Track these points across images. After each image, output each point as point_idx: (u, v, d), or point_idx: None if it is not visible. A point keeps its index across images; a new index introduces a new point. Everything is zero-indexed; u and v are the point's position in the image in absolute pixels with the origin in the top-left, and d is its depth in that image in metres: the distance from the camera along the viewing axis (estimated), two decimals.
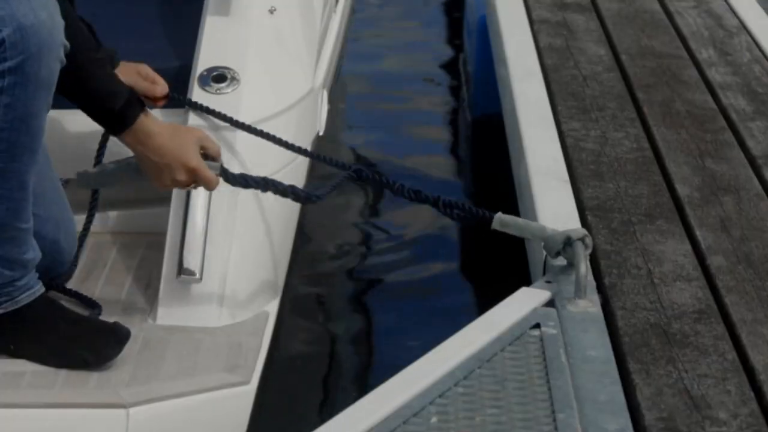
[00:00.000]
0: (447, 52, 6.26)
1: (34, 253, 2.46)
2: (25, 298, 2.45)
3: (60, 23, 2.32)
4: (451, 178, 4.82)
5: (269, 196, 2.74)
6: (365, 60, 5.78)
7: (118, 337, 2.47)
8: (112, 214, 2.99)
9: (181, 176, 2.51)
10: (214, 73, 2.86)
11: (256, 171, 2.78)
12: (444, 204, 2.63)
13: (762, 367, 2.29)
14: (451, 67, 6.06)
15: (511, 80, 3.63)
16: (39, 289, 2.48)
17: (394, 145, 5.04)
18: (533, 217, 2.81)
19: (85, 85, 2.46)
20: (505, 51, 3.87)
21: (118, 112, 2.48)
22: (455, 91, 5.76)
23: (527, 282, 2.59)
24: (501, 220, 2.59)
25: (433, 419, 2.09)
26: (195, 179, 2.54)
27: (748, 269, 2.63)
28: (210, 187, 2.57)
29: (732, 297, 2.53)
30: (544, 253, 2.58)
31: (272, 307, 2.72)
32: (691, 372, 2.26)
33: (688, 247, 2.73)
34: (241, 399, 2.43)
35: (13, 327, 2.45)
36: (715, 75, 3.74)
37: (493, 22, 4.32)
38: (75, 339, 2.46)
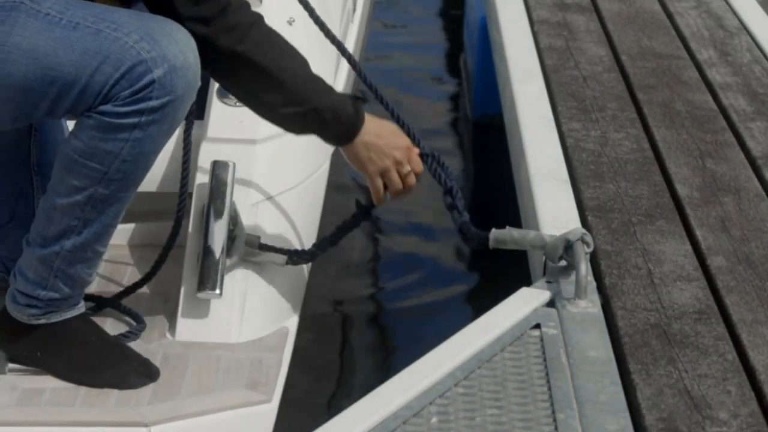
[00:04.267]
0: (447, 52, 6.26)
1: (95, 275, 2.47)
2: (69, 313, 2.45)
3: (200, 63, 2.33)
4: None
5: (288, 209, 2.72)
6: (365, 60, 5.78)
7: (147, 371, 2.46)
8: (130, 227, 2.97)
9: (399, 155, 2.53)
10: None
11: (277, 184, 2.77)
12: (451, 201, 2.61)
13: (762, 367, 2.28)
14: (451, 67, 6.06)
15: (512, 80, 3.63)
16: (81, 306, 2.48)
17: None
18: (533, 217, 2.81)
19: (313, 107, 2.44)
20: (505, 51, 3.87)
21: (349, 121, 2.49)
22: (455, 91, 5.76)
23: (527, 282, 2.59)
24: (496, 237, 2.56)
25: (433, 419, 2.09)
26: (408, 159, 2.56)
27: (748, 269, 2.63)
28: (417, 170, 2.59)
29: (732, 297, 2.52)
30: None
31: (292, 323, 2.71)
32: (692, 372, 2.26)
33: (688, 247, 2.73)
34: (262, 417, 2.41)
35: (47, 336, 2.45)
36: (716, 75, 3.74)
37: (494, 23, 4.32)
38: (103, 360, 2.45)
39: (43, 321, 2.43)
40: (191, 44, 2.31)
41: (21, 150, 2.66)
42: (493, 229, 2.56)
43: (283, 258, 2.68)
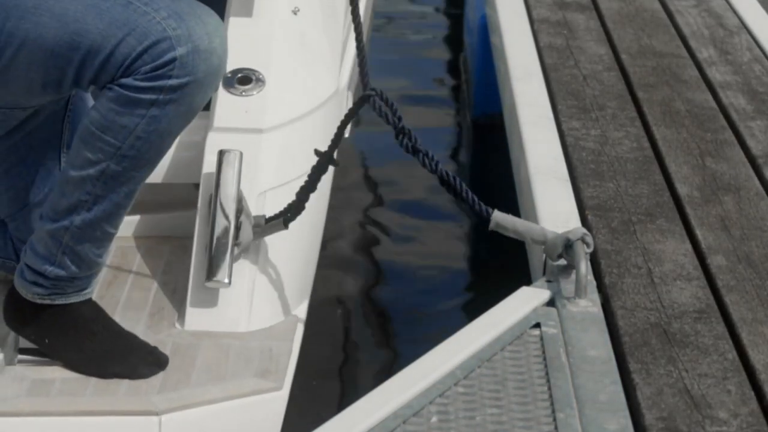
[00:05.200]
0: (447, 52, 6.26)
1: (104, 259, 2.46)
2: (75, 296, 2.44)
3: (227, 52, 2.33)
4: None
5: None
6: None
7: (156, 360, 2.45)
8: (137, 217, 2.96)
9: None
10: (239, 75, 2.83)
11: (283, 173, 2.76)
12: (447, 180, 2.50)
13: (762, 366, 2.28)
14: (451, 66, 6.06)
15: (511, 79, 3.63)
16: (91, 291, 2.47)
17: (394, 144, 5.03)
18: (533, 216, 2.81)
19: None
20: (505, 50, 3.87)
21: None
22: (455, 90, 5.76)
23: (527, 281, 2.59)
24: (498, 221, 2.51)
25: (433, 419, 2.09)
26: None
27: (749, 269, 2.63)
28: None
29: (732, 296, 2.52)
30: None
31: (301, 311, 2.70)
32: (692, 372, 2.26)
33: (688, 246, 2.73)
34: (273, 405, 2.41)
35: (54, 321, 2.44)
36: (716, 74, 3.74)
37: (494, 21, 4.32)
38: (111, 352, 2.44)
39: (47, 301, 2.42)
40: (220, 30, 2.32)
41: (55, 130, 2.65)
42: (496, 211, 2.51)
43: (279, 221, 2.65)
